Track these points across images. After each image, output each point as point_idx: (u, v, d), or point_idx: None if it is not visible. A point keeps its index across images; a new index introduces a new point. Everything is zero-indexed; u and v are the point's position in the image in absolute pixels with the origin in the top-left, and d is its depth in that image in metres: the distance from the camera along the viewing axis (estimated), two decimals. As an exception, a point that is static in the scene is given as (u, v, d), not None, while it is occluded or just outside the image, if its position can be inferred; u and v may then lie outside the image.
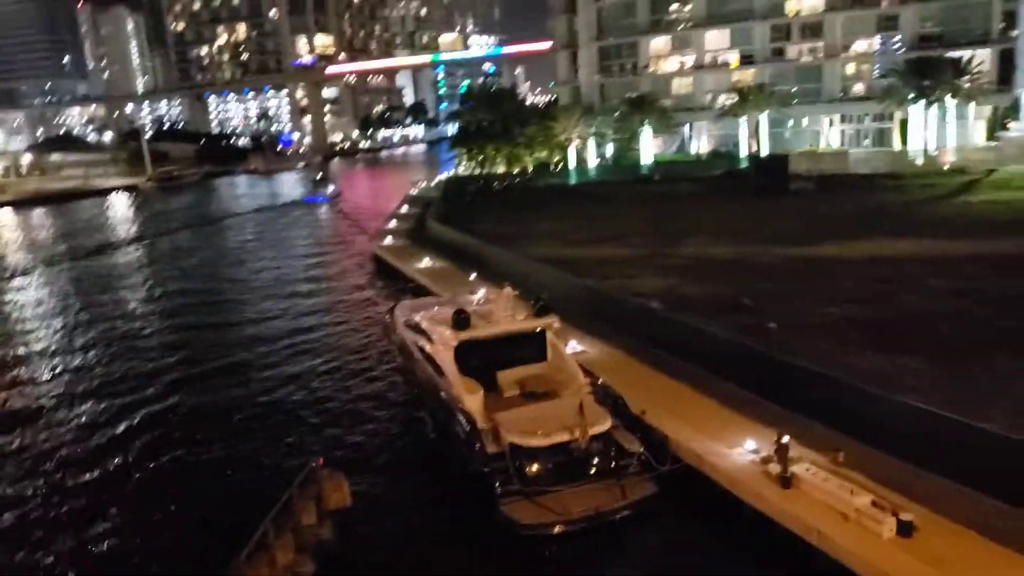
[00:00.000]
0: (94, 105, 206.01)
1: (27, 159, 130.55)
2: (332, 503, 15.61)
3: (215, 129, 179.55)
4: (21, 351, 31.70)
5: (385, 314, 25.67)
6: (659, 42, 75.60)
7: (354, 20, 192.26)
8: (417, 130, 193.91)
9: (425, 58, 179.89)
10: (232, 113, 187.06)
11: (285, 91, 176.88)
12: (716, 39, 72.58)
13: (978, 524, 12.84)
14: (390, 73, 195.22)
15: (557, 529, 14.95)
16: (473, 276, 31.81)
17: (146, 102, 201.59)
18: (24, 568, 15.56)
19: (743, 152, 66.98)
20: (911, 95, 58.14)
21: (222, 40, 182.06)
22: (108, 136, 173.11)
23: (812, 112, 68.04)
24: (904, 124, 61.75)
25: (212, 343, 30.43)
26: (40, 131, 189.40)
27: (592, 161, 70.40)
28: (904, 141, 61.79)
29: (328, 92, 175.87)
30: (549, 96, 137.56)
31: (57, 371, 28.44)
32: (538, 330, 19.37)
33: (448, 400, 17.95)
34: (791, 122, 68.67)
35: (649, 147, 69.31)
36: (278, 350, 28.68)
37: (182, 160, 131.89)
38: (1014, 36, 59.21)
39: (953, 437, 14.17)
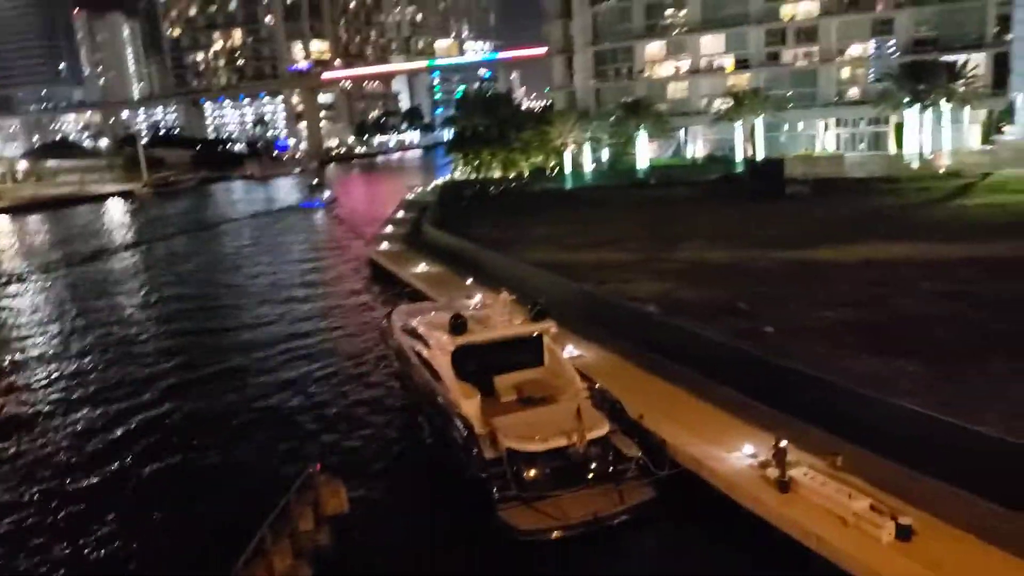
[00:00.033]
0: (90, 111, 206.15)
1: (23, 165, 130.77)
2: (329, 509, 15.54)
3: (211, 135, 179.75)
4: (18, 357, 31.60)
5: (382, 319, 25.58)
6: (654, 47, 75.89)
7: (350, 26, 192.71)
8: (413, 135, 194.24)
9: (421, 63, 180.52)
10: (228, 119, 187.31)
11: (281, 97, 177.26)
12: (711, 44, 72.86)
13: (976, 528, 12.82)
14: (386, 78, 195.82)
15: (555, 535, 14.88)
16: (469, 281, 31.86)
17: (142, 108, 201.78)
18: (20, 575, 15.48)
19: (739, 156, 67.21)
20: (906, 99, 58.34)
21: (218, 46, 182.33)
22: (104, 142, 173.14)
23: (807, 116, 68.29)
24: (899, 128, 61.97)
25: (208, 348, 30.38)
26: (36, 137, 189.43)
27: (588, 166, 70.47)
28: (899, 145, 62.01)
29: (324, 97, 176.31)
30: (545, 101, 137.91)
31: (53, 377, 28.34)
32: (535, 335, 19.30)
33: (445, 405, 17.86)
34: (786, 126, 68.93)
35: (645, 151, 69.46)
36: (274, 355, 28.62)
37: (178, 166, 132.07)
38: (1009, 40, 59.36)
39: (949, 440, 14.17)
